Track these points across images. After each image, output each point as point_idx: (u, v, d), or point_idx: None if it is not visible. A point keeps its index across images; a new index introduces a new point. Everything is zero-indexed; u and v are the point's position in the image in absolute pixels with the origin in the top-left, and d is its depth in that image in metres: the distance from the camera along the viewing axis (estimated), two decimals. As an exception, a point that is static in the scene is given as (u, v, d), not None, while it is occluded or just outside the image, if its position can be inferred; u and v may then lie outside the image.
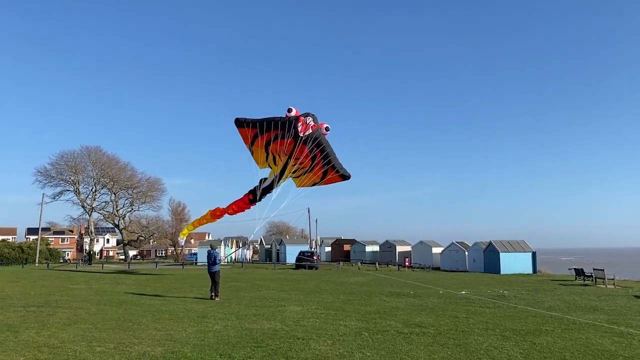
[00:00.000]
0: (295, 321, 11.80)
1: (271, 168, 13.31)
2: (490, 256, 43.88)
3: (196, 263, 59.09)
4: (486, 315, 13.31)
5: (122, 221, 75.21)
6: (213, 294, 17.22)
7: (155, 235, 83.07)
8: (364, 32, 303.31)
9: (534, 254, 43.47)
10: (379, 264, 51.11)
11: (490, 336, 9.99)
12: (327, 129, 12.67)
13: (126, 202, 75.43)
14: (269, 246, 76.06)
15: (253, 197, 13.41)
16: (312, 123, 12.21)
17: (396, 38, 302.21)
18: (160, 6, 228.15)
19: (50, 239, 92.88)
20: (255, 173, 13.66)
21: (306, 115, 12.06)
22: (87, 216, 71.52)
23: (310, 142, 12.25)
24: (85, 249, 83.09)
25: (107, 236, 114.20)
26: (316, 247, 70.16)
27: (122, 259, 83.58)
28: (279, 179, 13.61)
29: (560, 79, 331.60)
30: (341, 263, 52.26)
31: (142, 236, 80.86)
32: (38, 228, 67.47)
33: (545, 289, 22.78)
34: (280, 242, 69.54)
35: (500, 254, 42.57)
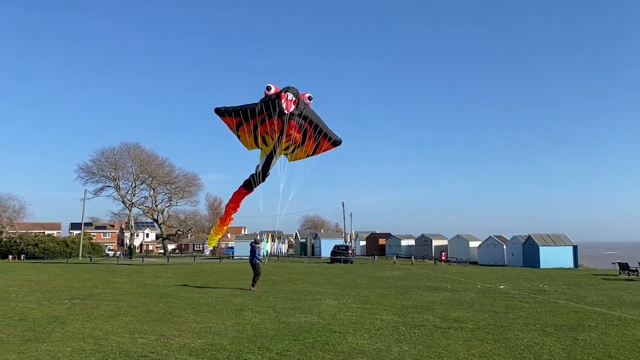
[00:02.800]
0: (331, 315, 11.85)
1: (261, 149, 13.19)
2: (529, 250, 42.92)
3: (233, 257, 59.97)
4: (526, 310, 13.04)
5: (161, 216, 76.90)
6: (252, 284, 17.98)
7: (192, 229, 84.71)
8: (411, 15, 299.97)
9: (575, 248, 42.30)
10: (414, 258, 50.68)
11: (531, 331, 9.79)
12: (309, 98, 12.39)
13: (164, 197, 77.02)
14: (304, 240, 76.48)
15: (247, 186, 13.39)
16: (293, 98, 11.94)
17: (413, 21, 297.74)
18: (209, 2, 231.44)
19: (92, 233, 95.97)
20: (244, 154, 13.45)
21: (286, 90, 11.81)
22: (127, 211, 73.42)
23: (298, 117, 12.00)
24: (126, 243, 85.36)
25: (146, 230, 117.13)
26: (351, 241, 70.16)
27: (161, 253, 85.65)
28: (271, 157, 13.50)
29: (563, 70, 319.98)
30: (376, 257, 52.05)
31: (180, 230, 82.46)
32: (81, 223, 69.84)
33: (588, 284, 22.15)
34: (315, 236, 69.83)
35: (540, 247, 41.59)
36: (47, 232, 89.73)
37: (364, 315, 11.79)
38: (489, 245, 49.07)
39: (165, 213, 77.85)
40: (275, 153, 13.01)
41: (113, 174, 70.55)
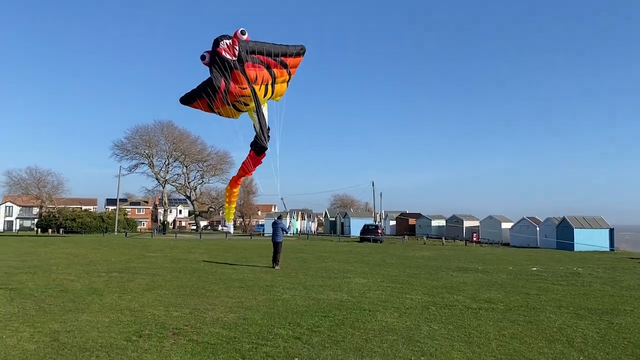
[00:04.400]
0: (361, 293, 11.93)
1: (247, 112, 12.68)
2: (563, 232, 42.10)
3: (263, 234, 60.77)
4: (559, 292, 12.85)
5: (194, 193, 78.37)
6: (274, 263, 17.94)
7: (224, 206, 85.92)
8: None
9: (611, 231, 41.29)
10: (445, 238, 50.36)
11: (564, 314, 9.65)
12: (242, 32, 11.74)
13: (197, 174, 78.39)
14: (334, 219, 76.81)
15: (257, 149, 12.83)
16: (229, 42, 11.24)
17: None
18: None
19: (127, 209, 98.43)
20: (230, 123, 12.88)
21: (218, 42, 11.21)
22: (161, 188, 75.06)
23: (248, 55, 11.32)
24: (160, 220, 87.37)
25: (179, 207, 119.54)
26: (380, 221, 70.10)
27: (193, 229, 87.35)
28: (259, 111, 12.95)
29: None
30: (406, 237, 51.94)
31: (212, 207, 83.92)
32: (116, 199, 71.63)
33: (624, 267, 21.62)
34: (345, 215, 70.01)
35: (575, 230, 40.74)
36: (83, 207, 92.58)
37: (393, 294, 11.83)
38: (521, 227, 48.31)
39: (197, 190, 79.31)
40: (259, 103, 12.33)
41: (147, 152, 72.01)
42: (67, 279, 13.32)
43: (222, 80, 11.97)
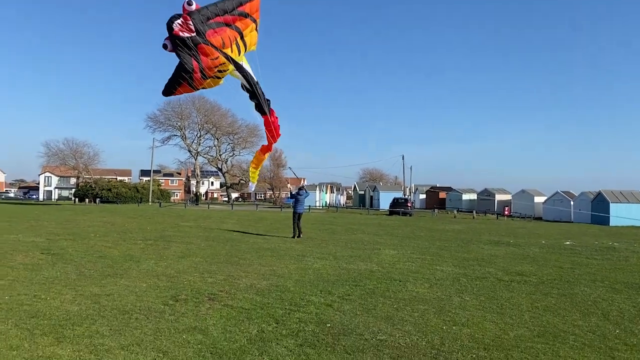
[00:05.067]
0: (391, 264, 11.97)
1: (230, 74, 12.45)
2: (599, 207, 41.16)
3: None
4: (593, 266, 12.63)
5: (225, 165, 79.32)
6: (299, 232, 18.30)
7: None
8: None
9: (650, 206, 40.17)
10: (476, 212, 49.85)
11: (599, 288, 9.50)
12: (189, 3, 11.37)
13: (228, 147, 79.16)
14: (363, 192, 76.85)
15: (261, 110, 12.71)
16: (180, 20, 10.91)
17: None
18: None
19: (160, 180, 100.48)
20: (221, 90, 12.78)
21: (171, 26, 10.87)
22: (193, 160, 76.17)
23: (205, 24, 10.98)
24: (192, 191, 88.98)
25: (211, 179, 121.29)
26: (410, 194, 69.74)
27: (225, 201, 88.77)
28: (243, 72, 12.78)
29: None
30: (436, 211, 51.63)
31: (243, 179, 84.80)
32: (150, 170, 73.14)
33: (663, 244, 21.05)
34: (374, 189, 69.92)
35: (611, 204, 39.79)
36: (118, 178, 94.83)
37: (423, 266, 11.84)
38: (555, 201, 47.42)
39: (228, 162, 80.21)
40: (238, 64, 12.13)
41: (179, 124, 72.94)
42: (105, 246, 13.76)
43: (193, 60, 11.83)
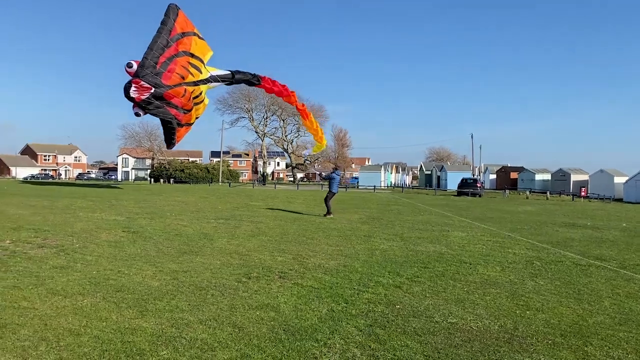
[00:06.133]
0: (460, 246, 11.76)
1: (208, 89, 12.62)
2: (688, 188, 38.25)
3: (358, 187, 61.29)
4: (682, 252, 11.81)
5: (290, 146, 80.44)
6: (329, 212, 18.44)
7: (319, 159, 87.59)
8: None
9: None
10: (550, 193, 47.74)
11: (688, 275, 8.90)
12: (129, 66, 11.23)
13: (293, 128, 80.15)
14: (429, 172, 75.50)
15: (252, 82, 12.97)
16: (135, 87, 10.84)
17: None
18: None
19: (229, 161, 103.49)
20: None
21: (129, 95, 10.78)
22: (260, 141, 77.81)
23: (154, 74, 10.98)
24: (259, 171, 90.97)
25: (277, 159, 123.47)
26: (479, 174, 67.81)
27: (290, 181, 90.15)
28: (211, 79, 12.91)
29: None
30: (507, 191, 49.91)
31: (308, 160, 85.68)
32: (220, 151, 75.42)
33: None
34: (442, 169, 68.54)
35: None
36: (190, 159, 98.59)
37: (494, 249, 11.54)
38: (637, 182, 44.51)
39: (294, 143, 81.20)
40: (206, 80, 12.20)
41: (247, 106, 74.57)
42: (180, 224, 14.40)
43: (168, 109, 12.14)
